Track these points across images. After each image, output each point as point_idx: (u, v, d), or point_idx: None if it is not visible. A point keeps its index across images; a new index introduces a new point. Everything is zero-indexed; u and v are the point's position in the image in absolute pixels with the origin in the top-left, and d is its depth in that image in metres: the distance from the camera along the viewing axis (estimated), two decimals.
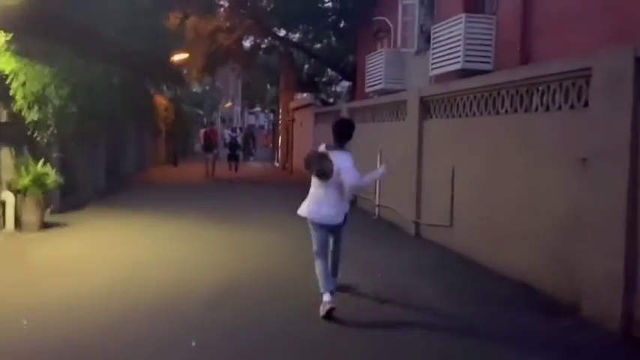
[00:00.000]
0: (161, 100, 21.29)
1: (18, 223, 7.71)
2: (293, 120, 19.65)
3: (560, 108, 5.43)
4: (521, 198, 5.96)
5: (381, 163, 9.99)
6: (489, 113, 6.78)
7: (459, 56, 9.48)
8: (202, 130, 19.40)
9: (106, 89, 12.15)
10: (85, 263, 6.36)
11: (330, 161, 4.92)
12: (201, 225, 9.00)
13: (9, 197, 7.47)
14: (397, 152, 9.43)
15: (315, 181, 5.19)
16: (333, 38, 24.59)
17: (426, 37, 12.53)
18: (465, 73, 9.13)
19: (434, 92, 8.52)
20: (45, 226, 8.00)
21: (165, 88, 21.91)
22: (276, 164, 25.29)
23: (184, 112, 27.13)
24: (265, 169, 23.13)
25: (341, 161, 4.91)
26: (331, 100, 24.70)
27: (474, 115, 7.16)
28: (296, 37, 23.03)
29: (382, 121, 10.49)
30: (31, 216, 7.67)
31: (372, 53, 13.89)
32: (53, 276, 5.76)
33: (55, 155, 8.60)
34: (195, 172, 20.08)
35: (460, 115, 7.57)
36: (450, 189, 7.46)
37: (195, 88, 41.42)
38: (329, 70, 28.30)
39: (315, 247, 5.09)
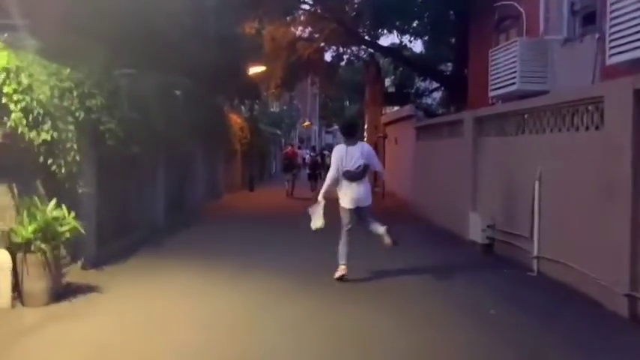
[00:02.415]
0: (236, 119, 19.08)
1: (19, 292, 5.23)
2: (384, 136, 16.67)
3: None
4: None
5: (539, 194, 6.79)
6: None
7: None
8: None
9: (164, 102, 9.81)
10: None
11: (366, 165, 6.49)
12: (294, 289, 6.22)
13: (2, 257, 5.01)
14: (574, 176, 6.19)
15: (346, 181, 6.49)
16: (428, 37, 21.60)
17: (581, 20, 9.23)
18: None
19: None
20: (61, 294, 5.48)
21: (240, 105, 19.73)
22: None
23: (261, 132, 24.94)
24: None
25: (368, 156, 6.56)
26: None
27: None
28: (386, 41, 20.14)
29: (540, 132, 7.24)
30: (35, 283, 5.18)
31: (500, 47, 10.66)
32: None
33: (81, 191, 6.09)
34: (275, 198, 17.59)
35: None
36: None
37: (273, 108, 39.79)
38: (417, 80, 25.29)
39: (347, 224, 6.60)
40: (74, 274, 6.21)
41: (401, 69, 25.25)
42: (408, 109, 13.60)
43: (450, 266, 7.57)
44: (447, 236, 9.92)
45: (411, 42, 22.96)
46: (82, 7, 9.24)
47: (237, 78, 15.59)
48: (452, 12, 14.88)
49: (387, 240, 6.61)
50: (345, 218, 6.61)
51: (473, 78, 13.61)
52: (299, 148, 25.87)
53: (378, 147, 18.12)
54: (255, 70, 18.09)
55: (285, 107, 42.52)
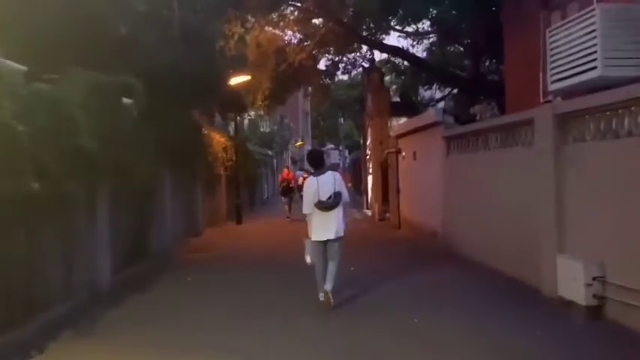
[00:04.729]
0: (218, 138, 16.16)
1: None
2: (397, 151, 13.79)
3: None
4: None
5: None
6: None
7: None
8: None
9: (104, 115, 6.91)
10: None
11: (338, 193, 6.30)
12: None
13: None
14: None
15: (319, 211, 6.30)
16: (437, 36, 18.95)
17: None
18: None
19: None
20: None
21: (224, 121, 16.84)
22: (367, 212, 19.39)
23: (250, 153, 22.01)
24: (356, 221, 16.88)
25: (340, 184, 6.39)
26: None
27: None
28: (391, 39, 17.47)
29: None
30: None
31: (564, 23, 7.83)
32: None
33: None
34: (268, 231, 14.63)
35: None
36: None
37: (263, 128, 37.02)
38: (421, 88, 22.59)
39: (315, 257, 6.36)
40: None
41: (403, 77, 22.65)
42: (432, 114, 10.73)
43: (542, 350, 4.68)
44: (510, 288, 6.96)
45: (413, 46, 20.35)
46: None
47: (217, 88, 12.73)
48: None
49: (326, 299, 6.25)
50: (314, 256, 6.41)
51: (510, 74, 10.82)
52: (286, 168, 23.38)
53: (389, 165, 15.27)
54: (238, 80, 15.27)
55: (276, 127, 39.71)
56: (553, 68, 8.03)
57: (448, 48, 21.20)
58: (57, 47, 7.77)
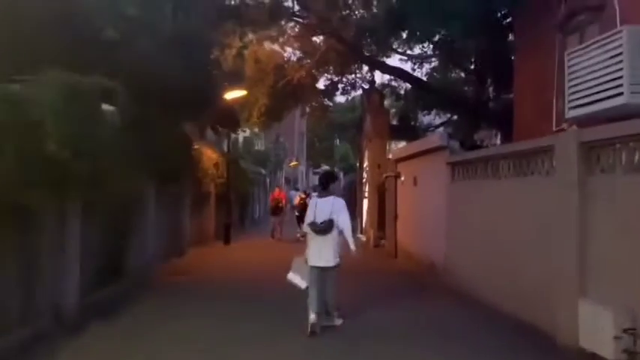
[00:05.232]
0: (210, 154, 15.51)
1: None
2: (397, 175, 13.17)
3: None
4: None
5: None
6: None
7: None
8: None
9: (81, 121, 6.26)
10: None
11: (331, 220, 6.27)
12: None
13: None
14: None
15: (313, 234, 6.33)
16: (439, 60, 18.55)
17: None
18: None
19: None
20: None
21: (218, 136, 16.19)
22: (362, 237, 18.66)
23: (243, 171, 21.33)
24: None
25: (337, 211, 6.35)
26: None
27: None
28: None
29: None
30: None
31: (586, 45, 7.29)
32: None
33: None
34: (257, 253, 13.89)
35: None
36: None
37: (258, 146, 36.44)
38: (420, 113, 22.11)
39: (311, 286, 6.24)
40: None
41: (402, 101, 22.20)
42: (436, 138, 10.14)
43: None
44: (519, 334, 6.23)
45: (414, 70, 19.91)
46: None
47: (210, 101, 12.10)
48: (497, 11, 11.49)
49: (312, 326, 6.08)
50: (310, 281, 6.32)
51: (520, 100, 10.28)
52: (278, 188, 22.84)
53: (386, 189, 14.65)
54: (234, 94, 14.69)
55: (271, 145, 39.14)
56: (572, 94, 7.47)
57: (450, 73, 20.83)
58: (37, 48, 7.17)
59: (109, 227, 8.09)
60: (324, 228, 6.22)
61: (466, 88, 18.77)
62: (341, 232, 6.41)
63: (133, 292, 8.10)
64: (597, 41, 7.05)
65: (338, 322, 6.49)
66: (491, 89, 16.60)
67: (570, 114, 7.57)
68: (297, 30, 15.37)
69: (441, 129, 21.21)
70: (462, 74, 20.27)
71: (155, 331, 6.24)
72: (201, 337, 6.03)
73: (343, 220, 6.38)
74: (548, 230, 6.15)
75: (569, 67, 7.59)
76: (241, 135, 30.25)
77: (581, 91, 7.29)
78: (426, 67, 20.16)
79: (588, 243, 5.38)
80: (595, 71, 7.03)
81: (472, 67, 17.21)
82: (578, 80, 7.38)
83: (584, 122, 7.28)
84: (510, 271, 7.00)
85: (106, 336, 6.01)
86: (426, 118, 23.36)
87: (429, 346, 5.76)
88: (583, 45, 7.42)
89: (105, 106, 7.09)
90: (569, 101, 7.52)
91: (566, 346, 5.51)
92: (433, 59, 19.62)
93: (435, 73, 20.55)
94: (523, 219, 6.82)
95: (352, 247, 6.49)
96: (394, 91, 21.58)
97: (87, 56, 7.59)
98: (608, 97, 6.71)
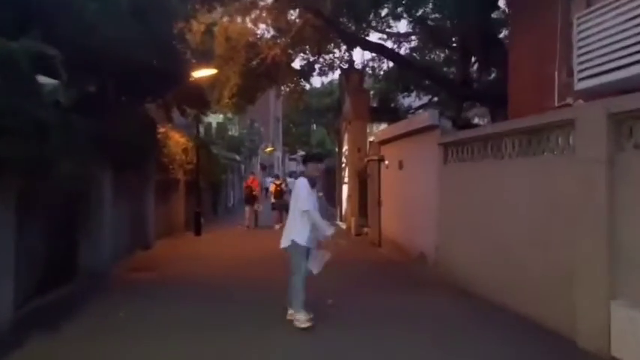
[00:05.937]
0: (177, 138, 14.37)
1: None
2: (380, 159, 12.27)
3: None
4: None
5: None
6: None
7: None
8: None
9: (19, 92, 5.19)
10: None
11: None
12: None
13: None
14: None
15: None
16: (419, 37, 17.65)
17: None
18: None
19: None
20: None
21: (184, 118, 15.00)
22: (342, 225, 17.79)
23: (214, 157, 20.18)
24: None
25: (296, 190, 5.87)
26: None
27: None
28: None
29: None
30: None
31: (600, 6, 6.43)
32: None
33: None
34: (231, 243, 12.94)
35: None
36: None
37: (232, 131, 35.15)
38: (399, 95, 21.26)
39: (302, 268, 5.64)
40: None
41: (383, 82, 21.30)
42: (426, 117, 9.20)
43: None
44: (530, 335, 5.41)
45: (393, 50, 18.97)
46: None
47: (175, 78, 10.95)
48: None
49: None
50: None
51: (516, 73, 9.43)
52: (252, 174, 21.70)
53: (369, 175, 13.75)
54: (202, 73, 13.52)
55: (245, 131, 37.84)
56: (581, 63, 6.64)
57: (431, 53, 19.99)
58: None
59: (54, 222, 6.99)
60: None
61: (446, 69, 17.98)
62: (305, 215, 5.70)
63: (85, 296, 7.03)
64: (612, 2, 6.21)
65: (299, 323, 5.54)
66: (475, 66, 15.81)
67: (579, 86, 6.74)
68: (270, 1, 14.22)
69: (420, 111, 20.39)
70: (444, 53, 19.47)
71: (105, 346, 5.22)
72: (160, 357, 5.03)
73: (302, 200, 5.74)
74: (562, 217, 5.32)
75: (578, 32, 6.73)
76: (214, 120, 29.02)
77: (592, 59, 6.46)
78: (406, 46, 19.30)
79: (618, 231, 4.55)
80: (610, 36, 6.20)
81: (454, 45, 16.39)
82: (590, 47, 6.54)
83: (593, 96, 6.48)
84: (515, 263, 6.17)
85: (41, 355, 4.97)
86: (406, 101, 22.53)
87: (431, 344, 4.88)
88: (595, 6, 6.56)
89: (43, 79, 5.96)
90: (579, 71, 6.68)
91: (589, 351, 4.71)
92: (413, 37, 18.74)
93: (414, 53, 19.70)
94: (531, 205, 5.98)
95: (327, 232, 5.71)
96: (374, 71, 20.68)
97: (22, 19, 6.45)
98: (627, 65, 5.90)
